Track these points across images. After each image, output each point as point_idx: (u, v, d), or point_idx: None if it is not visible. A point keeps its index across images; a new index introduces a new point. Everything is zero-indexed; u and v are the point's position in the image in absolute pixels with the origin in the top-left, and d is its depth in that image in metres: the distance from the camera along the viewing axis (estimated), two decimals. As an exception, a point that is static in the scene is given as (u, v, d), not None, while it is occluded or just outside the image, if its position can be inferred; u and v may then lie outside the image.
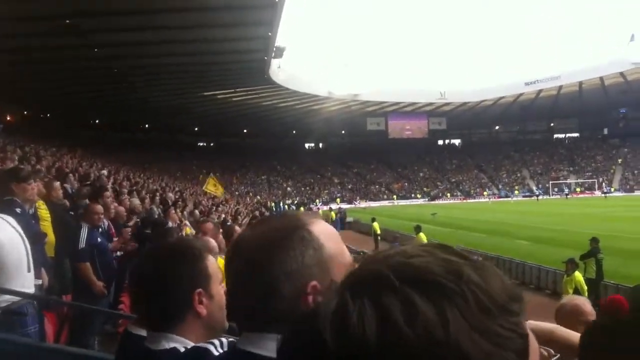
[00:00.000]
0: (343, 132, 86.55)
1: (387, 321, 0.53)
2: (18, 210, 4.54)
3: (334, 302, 0.58)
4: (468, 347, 0.52)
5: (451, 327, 0.52)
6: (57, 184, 7.80)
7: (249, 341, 0.99)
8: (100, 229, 6.69)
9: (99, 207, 6.59)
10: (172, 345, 1.48)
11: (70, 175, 12.76)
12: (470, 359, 0.52)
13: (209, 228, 5.63)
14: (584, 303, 3.21)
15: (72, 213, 7.53)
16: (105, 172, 18.98)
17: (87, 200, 7.89)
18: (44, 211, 6.01)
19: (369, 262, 0.61)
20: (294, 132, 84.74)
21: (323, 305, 0.58)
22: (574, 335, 1.83)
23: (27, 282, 3.81)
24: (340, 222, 35.31)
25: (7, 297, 3.63)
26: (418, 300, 0.53)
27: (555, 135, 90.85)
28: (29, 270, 3.84)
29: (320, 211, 46.55)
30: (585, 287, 11.55)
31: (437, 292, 0.54)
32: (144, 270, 1.67)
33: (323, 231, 1.02)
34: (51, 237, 5.86)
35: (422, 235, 19.81)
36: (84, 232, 6.15)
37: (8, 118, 44.80)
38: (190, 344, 1.48)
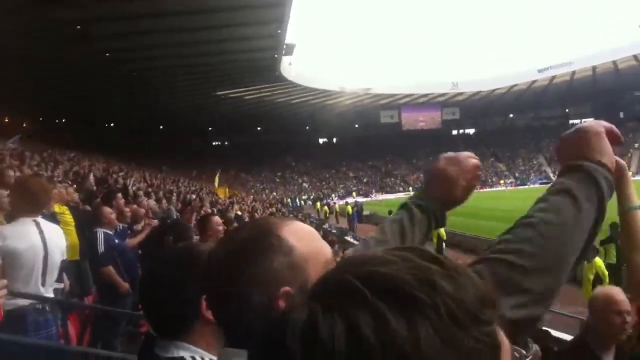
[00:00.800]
0: (357, 125, 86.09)
1: (357, 337, 0.51)
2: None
3: (303, 313, 0.56)
4: None
5: (422, 343, 0.51)
6: (72, 188, 8.05)
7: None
8: (116, 231, 6.70)
9: (109, 209, 6.61)
10: (180, 354, 1.45)
11: (89, 179, 12.92)
12: None
13: (216, 221, 5.60)
14: (617, 292, 3.10)
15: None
16: (122, 174, 19.12)
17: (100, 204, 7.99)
18: (68, 216, 6.14)
19: (342, 269, 0.59)
20: (307, 127, 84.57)
21: (292, 316, 0.56)
22: None
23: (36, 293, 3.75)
24: (358, 216, 34.94)
25: (13, 301, 3.54)
26: (389, 315, 0.52)
27: (571, 121, 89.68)
28: (43, 285, 3.76)
29: (336, 205, 46.41)
30: (606, 273, 11.38)
31: (409, 305, 0.53)
32: (152, 275, 1.65)
33: (294, 233, 0.97)
34: (74, 240, 5.98)
35: (439, 226, 19.64)
36: (100, 236, 6.18)
37: (24, 125, 45.22)
38: (200, 352, 1.45)
